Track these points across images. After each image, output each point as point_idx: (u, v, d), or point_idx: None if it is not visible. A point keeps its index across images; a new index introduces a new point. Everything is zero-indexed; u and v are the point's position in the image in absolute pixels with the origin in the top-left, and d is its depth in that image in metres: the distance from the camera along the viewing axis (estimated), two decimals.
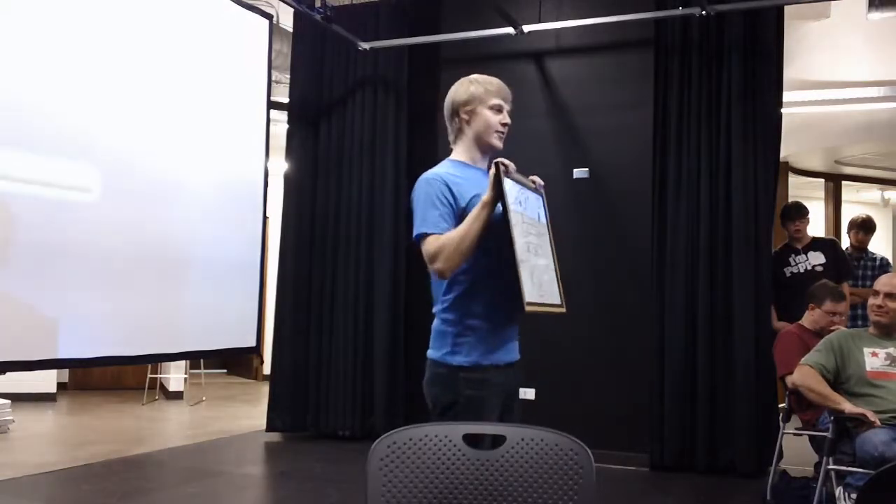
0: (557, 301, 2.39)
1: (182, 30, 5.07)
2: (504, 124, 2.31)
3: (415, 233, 2.19)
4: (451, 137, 2.36)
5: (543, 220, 2.43)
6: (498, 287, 2.21)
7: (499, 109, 2.31)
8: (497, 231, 2.14)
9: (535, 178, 2.42)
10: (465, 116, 2.30)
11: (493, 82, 2.33)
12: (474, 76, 2.36)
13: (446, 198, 2.18)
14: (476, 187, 2.22)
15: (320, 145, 6.11)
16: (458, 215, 2.18)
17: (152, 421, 7.07)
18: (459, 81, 2.36)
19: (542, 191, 2.46)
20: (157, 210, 4.87)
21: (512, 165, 2.19)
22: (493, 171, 2.14)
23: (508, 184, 2.16)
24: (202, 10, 5.27)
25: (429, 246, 2.15)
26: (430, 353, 2.26)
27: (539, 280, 2.26)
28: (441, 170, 2.27)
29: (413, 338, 5.69)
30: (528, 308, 2.11)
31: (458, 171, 2.26)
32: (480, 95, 2.29)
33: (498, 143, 2.32)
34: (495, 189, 2.11)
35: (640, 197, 5.17)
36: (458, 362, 2.18)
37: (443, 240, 2.13)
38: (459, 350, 2.19)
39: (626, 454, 5.02)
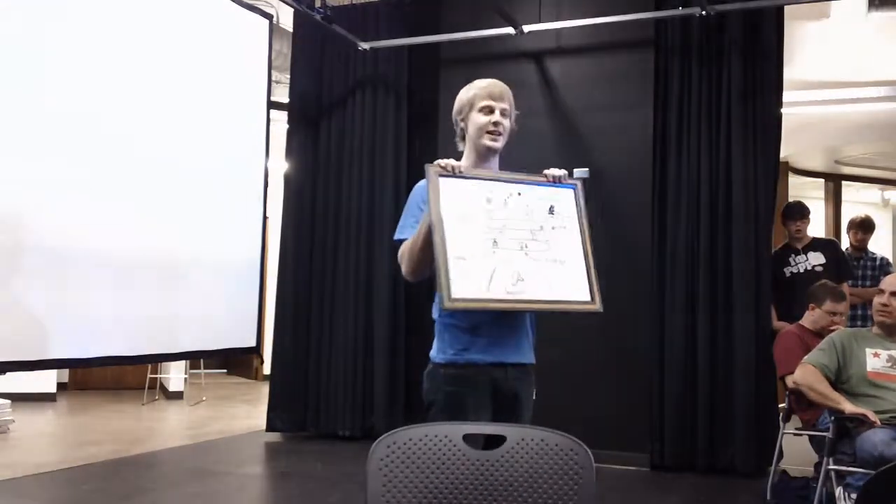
0: (582, 297, 2.34)
1: (182, 30, 5.07)
2: (495, 123, 2.27)
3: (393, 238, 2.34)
4: (459, 144, 2.42)
5: (565, 212, 2.34)
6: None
7: (489, 110, 2.28)
8: None
9: (551, 170, 2.34)
10: (462, 124, 2.35)
11: (483, 84, 2.32)
12: (473, 82, 2.37)
13: (426, 204, 2.20)
14: None
15: (320, 145, 6.11)
16: None
17: (152, 421, 7.07)
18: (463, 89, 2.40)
19: (569, 180, 2.36)
20: (156, 210, 4.87)
21: (455, 164, 2.21)
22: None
23: (452, 182, 2.17)
24: (202, 10, 5.26)
25: (398, 252, 2.28)
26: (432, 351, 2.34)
27: (514, 275, 2.19)
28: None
29: (413, 338, 5.69)
30: (447, 305, 2.07)
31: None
32: (470, 100, 2.32)
33: (491, 144, 2.29)
34: (429, 189, 2.16)
35: (640, 197, 5.16)
36: (438, 359, 2.26)
37: (403, 247, 2.25)
38: (441, 347, 2.26)
39: (626, 454, 5.02)
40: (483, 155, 2.33)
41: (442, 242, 2.10)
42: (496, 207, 2.23)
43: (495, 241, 2.19)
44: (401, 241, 2.27)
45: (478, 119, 2.29)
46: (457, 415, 2.16)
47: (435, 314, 2.29)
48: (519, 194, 2.28)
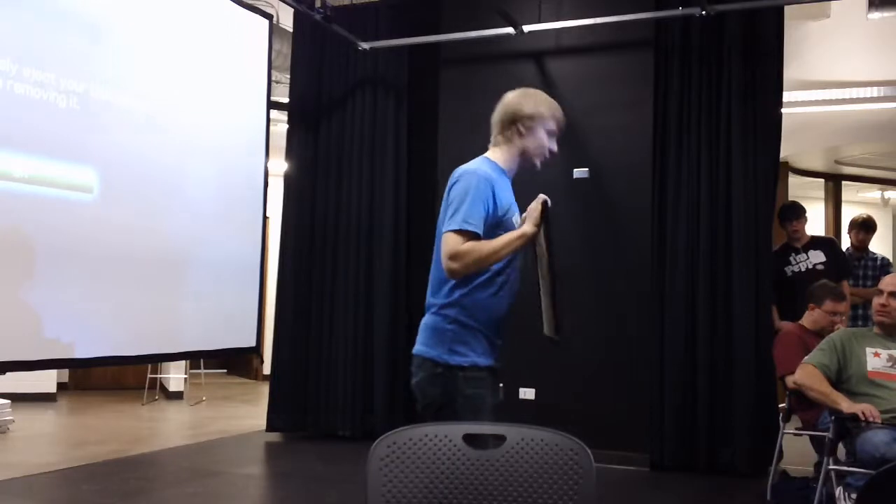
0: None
1: (182, 30, 5.07)
2: (552, 152, 2.37)
3: (454, 225, 2.15)
4: (495, 138, 2.37)
5: None
6: (503, 293, 2.23)
7: (553, 135, 2.36)
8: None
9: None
10: (522, 129, 2.32)
11: (557, 109, 2.37)
12: (543, 95, 2.38)
13: (489, 202, 2.19)
14: (509, 196, 2.28)
15: (320, 145, 6.11)
16: (493, 221, 2.20)
17: (152, 421, 7.07)
18: (528, 93, 2.38)
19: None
20: (157, 210, 4.87)
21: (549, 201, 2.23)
22: (540, 208, 2.16)
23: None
24: (202, 10, 5.27)
25: (457, 244, 2.13)
26: (424, 350, 2.24)
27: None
28: (488, 170, 2.27)
29: (413, 338, 5.65)
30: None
31: (497, 175, 2.28)
32: (545, 116, 2.33)
33: (538, 165, 2.37)
34: (540, 227, 2.16)
35: (640, 197, 5.16)
36: (456, 362, 2.19)
37: (473, 246, 2.13)
38: (458, 349, 2.20)
39: (626, 454, 5.02)
40: (521, 167, 2.36)
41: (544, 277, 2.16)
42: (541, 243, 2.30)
43: (541, 276, 2.28)
44: (464, 232, 2.14)
45: (543, 138, 2.34)
46: (479, 417, 2.15)
47: (452, 314, 2.21)
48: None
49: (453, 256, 2.13)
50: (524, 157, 2.34)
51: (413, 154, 5.93)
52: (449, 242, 2.14)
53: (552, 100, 2.39)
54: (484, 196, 2.17)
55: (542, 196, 2.18)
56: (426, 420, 2.21)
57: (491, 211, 2.19)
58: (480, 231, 2.15)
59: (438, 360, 2.20)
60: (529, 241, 2.16)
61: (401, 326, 5.79)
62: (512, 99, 2.35)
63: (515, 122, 2.31)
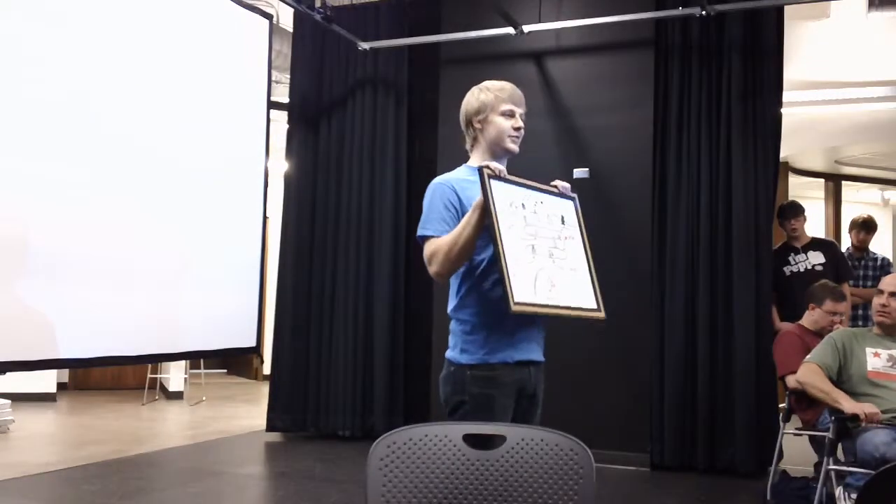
0: (591, 305, 2.39)
1: (182, 30, 5.07)
2: (517, 128, 2.33)
3: (418, 236, 2.23)
4: (467, 146, 2.39)
5: (571, 222, 2.42)
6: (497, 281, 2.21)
7: (510, 115, 2.32)
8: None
9: (558, 182, 2.42)
10: (478, 126, 2.33)
11: (504, 88, 2.34)
12: (486, 83, 2.37)
13: (451, 202, 2.20)
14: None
15: (320, 145, 6.11)
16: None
17: (152, 421, 7.07)
18: (471, 91, 2.37)
19: (572, 193, 2.45)
20: (156, 210, 4.87)
21: (500, 168, 2.18)
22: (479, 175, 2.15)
23: (499, 185, 2.16)
24: (202, 10, 5.27)
25: (426, 250, 2.20)
26: (447, 352, 2.29)
27: (549, 282, 2.23)
28: (452, 175, 2.30)
29: (413, 338, 5.68)
30: (514, 308, 2.05)
31: (470, 175, 2.28)
32: (491, 103, 2.31)
33: (513, 147, 2.34)
34: (484, 192, 2.12)
35: (640, 197, 5.16)
36: (465, 361, 2.21)
37: (437, 244, 2.17)
38: (467, 348, 2.22)
39: (626, 454, 5.02)
40: (499, 158, 2.34)
41: (502, 246, 2.11)
42: (529, 214, 2.26)
43: (533, 248, 2.23)
44: (425, 238, 2.20)
45: (500, 122, 2.31)
46: (486, 417, 2.14)
47: (459, 315, 2.25)
48: (541, 203, 2.33)
49: (427, 263, 2.20)
50: (494, 148, 2.33)
51: (413, 154, 5.93)
52: (424, 253, 2.21)
53: (498, 82, 2.36)
54: (443, 200, 2.21)
55: (480, 165, 2.17)
56: (445, 418, 2.22)
57: (458, 209, 2.21)
58: (438, 233, 2.18)
59: (452, 359, 2.25)
60: (482, 210, 2.11)
61: (401, 327, 5.76)
62: (462, 104, 2.38)
63: (471, 123, 2.34)
